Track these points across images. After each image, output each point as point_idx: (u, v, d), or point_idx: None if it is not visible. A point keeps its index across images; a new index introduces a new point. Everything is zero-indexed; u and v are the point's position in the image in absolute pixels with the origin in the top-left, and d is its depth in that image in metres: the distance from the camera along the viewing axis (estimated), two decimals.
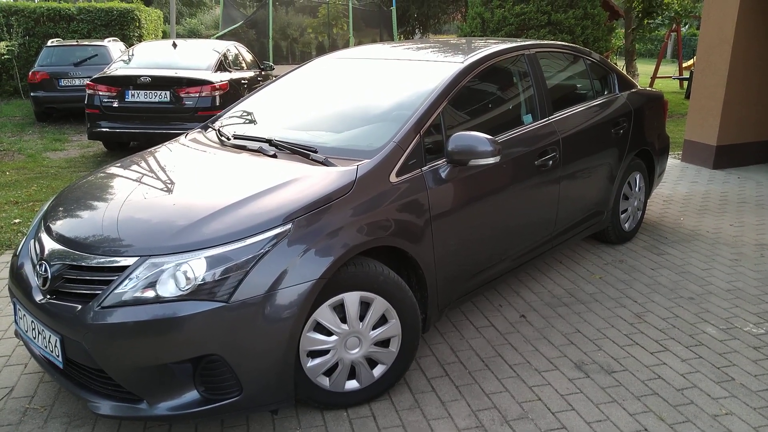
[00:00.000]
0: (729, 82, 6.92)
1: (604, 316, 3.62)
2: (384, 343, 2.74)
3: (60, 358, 2.44)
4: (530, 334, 3.40)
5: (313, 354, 2.57)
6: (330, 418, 2.68)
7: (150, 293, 2.27)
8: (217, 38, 16.20)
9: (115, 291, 2.30)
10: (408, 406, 2.76)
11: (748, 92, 7.12)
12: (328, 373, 2.64)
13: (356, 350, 2.65)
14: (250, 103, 3.88)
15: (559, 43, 4.40)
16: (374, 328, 2.67)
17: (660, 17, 15.27)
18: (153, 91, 7.40)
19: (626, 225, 4.74)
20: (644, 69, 19.08)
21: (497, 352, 3.21)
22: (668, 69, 20.77)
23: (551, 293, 3.92)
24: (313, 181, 2.67)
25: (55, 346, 2.44)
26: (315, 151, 2.93)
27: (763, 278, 4.16)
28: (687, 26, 20.21)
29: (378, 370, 2.76)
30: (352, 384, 2.71)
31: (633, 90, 4.76)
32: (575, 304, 3.76)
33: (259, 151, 3.08)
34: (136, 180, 3.02)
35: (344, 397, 2.71)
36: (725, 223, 5.29)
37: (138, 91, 7.42)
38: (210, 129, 3.67)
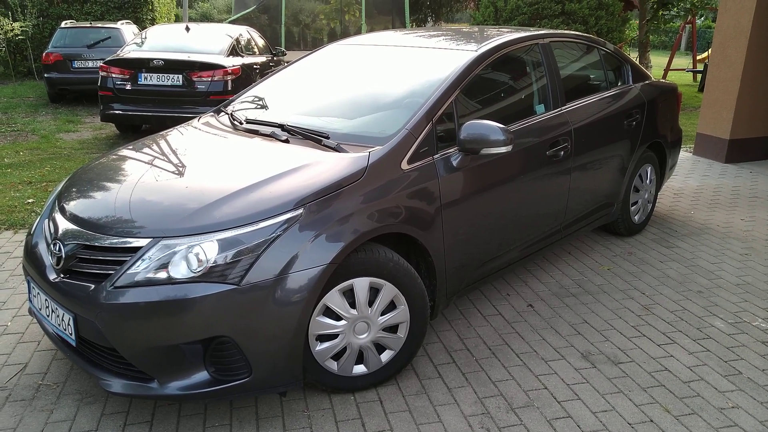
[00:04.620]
0: (744, 75, 6.86)
1: (612, 307, 3.62)
2: (392, 329, 2.76)
3: (73, 336, 2.48)
4: (537, 324, 3.41)
5: (322, 338, 2.59)
6: (337, 401, 2.71)
7: (162, 274, 2.30)
8: (230, 23, 16.18)
9: (128, 271, 2.32)
10: (415, 392, 2.79)
11: (763, 86, 7.05)
12: (337, 357, 2.66)
13: (364, 335, 2.67)
14: (262, 88, 3.89)
15: (573, 32, 4.37)
16: (383, 313, 2.69)
17: (675, 8, 15.09)
18: (166, 75, 7.42)
19: (636, 217, 4.73)
20: (658, 61, 18.90)
21: (504, 341, 3.23)
22: (682, 61, 20.58)
23: (559, 283, 3.92)
24: (324, 167, 2.68)
25: (68, 324, 2.47)
26: (327, 137, 2.94)
27: None
28: (702, 18, 19.95)
29: (386, 356, 2.78)
30: (359, 368, 2.73)
31: (647, 82, 4.73)
32: (583, 295, 3.77)
33: (271, 136, 3.09)
34: (148, 162, 3.04)
35: (352, 381, 2.74)
36: (736, 218, 5.27)
37: (151, 74, 7.45)
38: (222, 113, 3.69)
